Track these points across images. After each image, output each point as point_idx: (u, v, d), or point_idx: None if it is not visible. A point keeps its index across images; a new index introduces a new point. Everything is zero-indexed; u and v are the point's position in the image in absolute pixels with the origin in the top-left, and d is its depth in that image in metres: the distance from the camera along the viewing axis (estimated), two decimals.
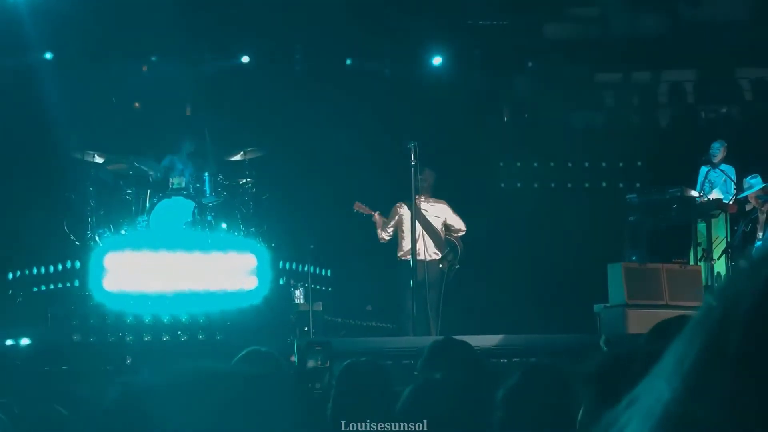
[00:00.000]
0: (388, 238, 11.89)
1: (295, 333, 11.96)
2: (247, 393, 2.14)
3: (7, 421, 4.18)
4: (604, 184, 15.77)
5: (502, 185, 15.69)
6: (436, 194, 12.03)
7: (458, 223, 11.96)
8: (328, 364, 8.76)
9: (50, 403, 4.70)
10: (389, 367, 4.19)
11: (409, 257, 11.45)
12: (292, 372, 8.09)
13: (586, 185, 15.67)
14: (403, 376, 5.13)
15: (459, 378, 4.53)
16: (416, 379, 3.97)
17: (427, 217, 11.74)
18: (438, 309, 11.55)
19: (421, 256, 11.52)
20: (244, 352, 4.67)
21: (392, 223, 11.84)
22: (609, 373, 2.37)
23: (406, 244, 11.60)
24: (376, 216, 11.90)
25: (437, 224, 11.85)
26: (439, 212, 11.89)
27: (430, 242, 11.70)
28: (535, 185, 15.78)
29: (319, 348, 9.03)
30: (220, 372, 2.19)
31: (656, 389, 1.11)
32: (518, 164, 15.86)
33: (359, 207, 11.90)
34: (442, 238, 11.79)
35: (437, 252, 11.75)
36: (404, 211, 11.72)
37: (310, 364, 9.07)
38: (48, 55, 14.08)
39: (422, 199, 11.71)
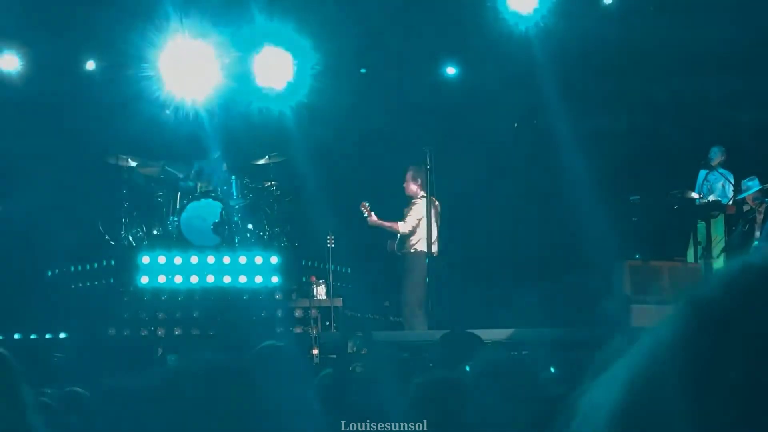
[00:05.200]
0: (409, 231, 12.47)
1: (317, 327, 12.56)
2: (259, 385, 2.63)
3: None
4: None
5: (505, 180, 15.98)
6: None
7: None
8: (364, 351, 9.30)
9: (70, 386, 5.20)
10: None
11: (419, 249, 12.16)
12: (304, 365, 8.64)
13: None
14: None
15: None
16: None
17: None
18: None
19: (434, 251, 12.20)
20: (259, 347, 5.12)
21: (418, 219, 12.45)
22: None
23: (415, 239, 12.26)
24: (373, 217, 12.48)
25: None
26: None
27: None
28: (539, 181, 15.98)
29: (360, 334, 9.62)
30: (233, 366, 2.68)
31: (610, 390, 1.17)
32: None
33: (365, 207, 12.46)
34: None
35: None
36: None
37: (350, 347, 9.68)
38: (91, 65, 14.42)
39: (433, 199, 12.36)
